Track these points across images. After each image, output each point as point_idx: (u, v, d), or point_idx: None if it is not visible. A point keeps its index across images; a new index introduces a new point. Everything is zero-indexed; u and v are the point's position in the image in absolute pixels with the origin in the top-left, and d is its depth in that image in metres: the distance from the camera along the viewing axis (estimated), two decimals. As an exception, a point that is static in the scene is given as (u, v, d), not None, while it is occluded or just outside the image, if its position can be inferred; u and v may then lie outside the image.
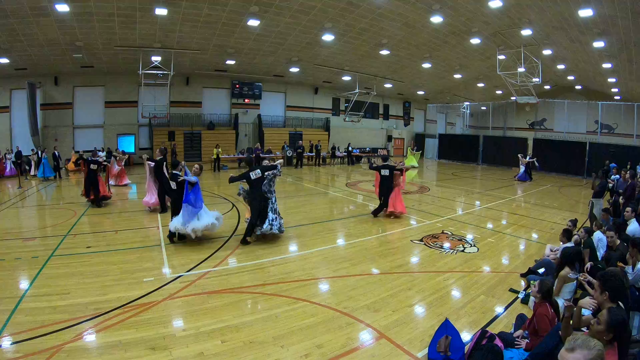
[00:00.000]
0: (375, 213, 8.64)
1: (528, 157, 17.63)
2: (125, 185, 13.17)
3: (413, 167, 21.02)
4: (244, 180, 6.43)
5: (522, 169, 17.13)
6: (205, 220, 6.20)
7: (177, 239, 6.35)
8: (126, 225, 7.60)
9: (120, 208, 9.51)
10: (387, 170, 8.41)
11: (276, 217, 6.49)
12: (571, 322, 2.57)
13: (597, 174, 8.61)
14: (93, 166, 9.25)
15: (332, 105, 27.66)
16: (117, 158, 13.48)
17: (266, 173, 6.42)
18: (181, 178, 6.24)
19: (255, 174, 6.37)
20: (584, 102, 24.42)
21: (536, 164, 17.49)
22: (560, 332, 2.72)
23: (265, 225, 6.29)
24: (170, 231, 6.32)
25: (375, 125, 30.87)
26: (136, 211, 9.03)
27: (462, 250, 6.36)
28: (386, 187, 8.46)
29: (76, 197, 10.51)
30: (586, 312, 3.67)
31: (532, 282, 4.55)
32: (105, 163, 11.16)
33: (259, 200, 6.33)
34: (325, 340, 3.47)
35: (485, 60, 20.30)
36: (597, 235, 5.35)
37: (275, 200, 6.61)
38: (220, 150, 18.44)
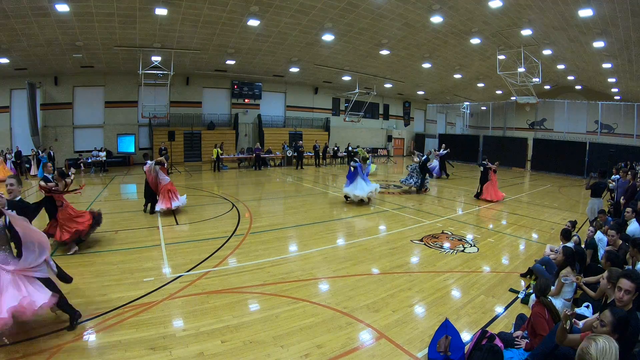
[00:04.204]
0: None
1: (442, 150, 16.90)
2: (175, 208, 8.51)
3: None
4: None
5: (435, 164, 16.74)
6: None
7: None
8: (126, 225, 7.59)
9: (120, 208, 9.50)
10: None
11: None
12: (566, 327, 2.56)
13: (595, 175, 8.59)
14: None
15: (332, 105, 27.67)
16: (165, 164, 8.81)
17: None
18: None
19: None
20: (584, 102, 24.42)
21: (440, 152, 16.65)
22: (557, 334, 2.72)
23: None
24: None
25: (375, 125, 30.89)
26: (136, 211, 9.01)
27: (462, 250, 6.36)
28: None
29: (75, 196, 10.46)
30: (587, 313, 3.67)
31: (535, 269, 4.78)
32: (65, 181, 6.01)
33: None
34: (325, 340, 3.47)
35: (485, 60, 20.30)
36: (597, 235, 5.36)
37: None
38: (219, 150, 18.40)
